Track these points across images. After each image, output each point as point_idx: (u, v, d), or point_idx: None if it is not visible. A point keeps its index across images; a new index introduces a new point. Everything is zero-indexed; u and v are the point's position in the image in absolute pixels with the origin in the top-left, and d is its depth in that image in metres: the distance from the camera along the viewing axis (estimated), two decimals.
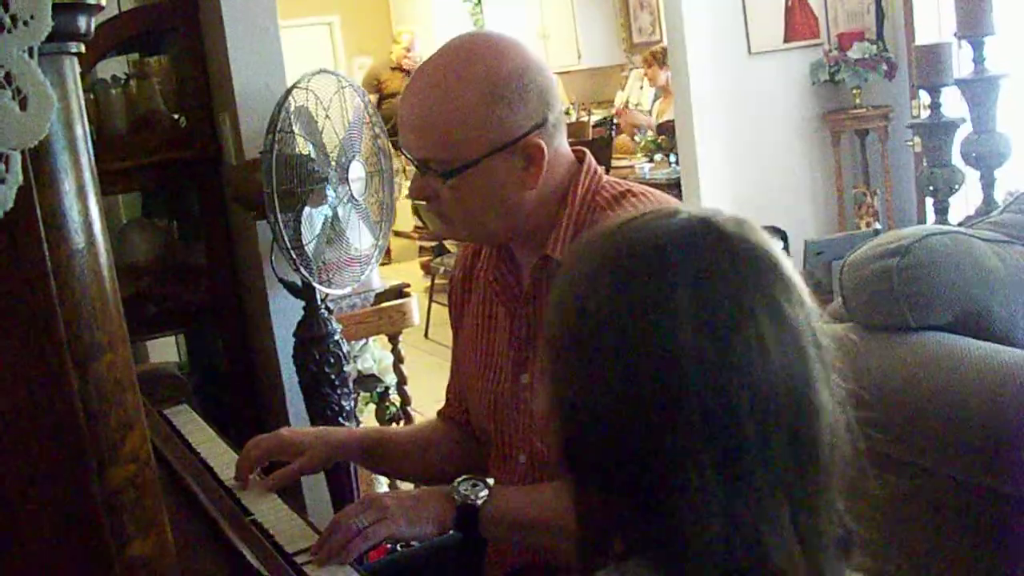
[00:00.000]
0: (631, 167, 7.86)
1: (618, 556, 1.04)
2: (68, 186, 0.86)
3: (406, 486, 3.87)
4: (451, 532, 1.74)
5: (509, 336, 1.90)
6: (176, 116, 3.49)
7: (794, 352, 0.99)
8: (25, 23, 0.75)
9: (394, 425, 4.18)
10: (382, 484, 4.12)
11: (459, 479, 1.74)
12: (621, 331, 0.98)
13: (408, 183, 1.89)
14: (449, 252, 8.20)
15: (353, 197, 2.90)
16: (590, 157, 1.88)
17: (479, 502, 1.69)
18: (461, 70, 1.72)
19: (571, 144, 1.89)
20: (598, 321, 1.00)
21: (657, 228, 1.03)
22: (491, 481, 1.75)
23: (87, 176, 0.89)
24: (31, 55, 0.76)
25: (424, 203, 1.85)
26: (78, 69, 0.91)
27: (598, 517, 1.06)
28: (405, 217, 10.21)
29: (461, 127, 1.71)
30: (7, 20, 0.74)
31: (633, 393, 0.97)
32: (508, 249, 1.92)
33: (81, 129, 0.89)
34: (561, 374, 1.04)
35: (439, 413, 2.16)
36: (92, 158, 0.90)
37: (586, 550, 1.08)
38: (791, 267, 1.04)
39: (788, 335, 0.99)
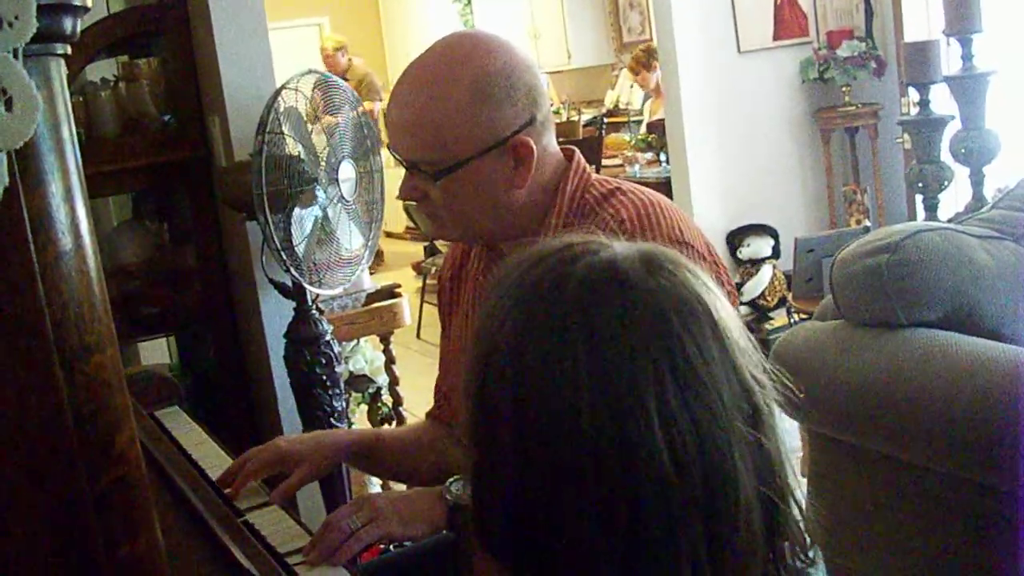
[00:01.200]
0: (621, 166, 7.86)
1: None
2: (55, 188, 0.86)
3: (398, 487, 3.87)
4: (443, 532, 1.74)
5: None
6: (166, 118, 3.48)
7: (707, 422, 0.88)
8: (10, 24, 0.74)
9: (386, 426, 4.18)
10: (374, 485, 4.12)
11: (451, 479, 1.73)
12: (521, 384, 0.90)
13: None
14: (440, 252, 8.20)
15: (343, 197, 2.90)
16: (579, 155, 1.88)
17: (469, 502, 1.69)
18: (449, 70, 1.72)
19: (560, 143, 1.89)
20: (503, 367, 0.92)
21: (559, 273, 0.93)
22: None
23: (74, 178, 0.89)
24: (16, 56, 0.76)
25: (413, 204, 1.85)
26: (64, 70, 0.90)
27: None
28: (398, 218, 10.22)
29: (451, 128, 1.70)
30: None
31: (530, 455, 0.89)
32: (498, 249, 1.92)
33: (68, 131, 0.89)
34: (471, 424, 0.96)
35: (428, 415, 2.16)
36: (79, 160, 0.90)
37: None
38: (716, 309, 0.93)
39: (699, 400, 0.88)
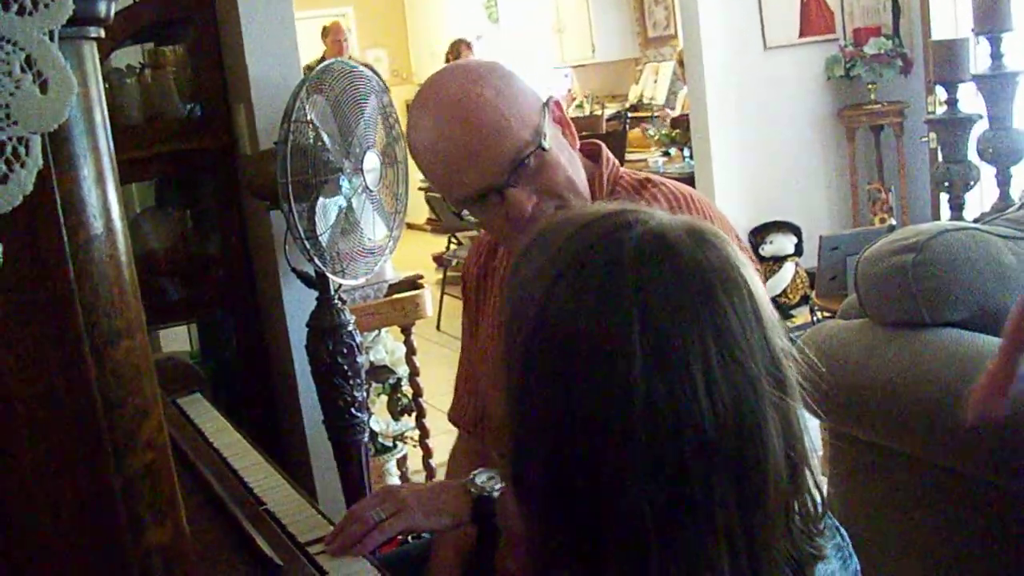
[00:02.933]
0: (644, 161, 7.85)
1: None
2: (87, 171, 0.85)
3: (419, 478, 3.87)
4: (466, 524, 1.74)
5: None
6: (191, 106, 3.49)
7: (745, 383, 0.95)
8: (46, 5, 0.74)
9: (404, 418, 4.18)
10: (394, 476, 4.12)
11: (475, 472, 1.73)
12: (574, 347, 0.94)
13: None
14: (463, 244, 8.21)
15: (368, 188, 2.90)
16: (605, 149, 1.89)
17: (496, 494, 1.69)
18: (472, 83, 1.69)
19: (583, 137, 1.89)
20: (554, 333, 0.96)
21: (610, 241, 0.98)
22: None
23: (106, 161, 0.88)
24: (51, 38, 0.76)
25: (535, 206, 1.72)
26: (97, 54, 0.90)
27: (540, 541, 1.01)
28: (420, 209, 10.22)
29: (510, 106, 1.68)
30: (28, 2, 0.74)
31: (576, 412, 0.93)
32: None
33: (100, 114, 0.89)
34: (511, 376, 1.00)
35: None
36: (111, 144, 0.90)
37: (532, 562, 1.03)
38: (752, 283, 0.99)
39: (738, 366, 0.94)
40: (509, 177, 1.68)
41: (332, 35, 8.97)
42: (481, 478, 1.71)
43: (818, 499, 1.05)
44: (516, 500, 1.03)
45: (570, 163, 1.76)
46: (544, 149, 1.69)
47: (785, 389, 0.99)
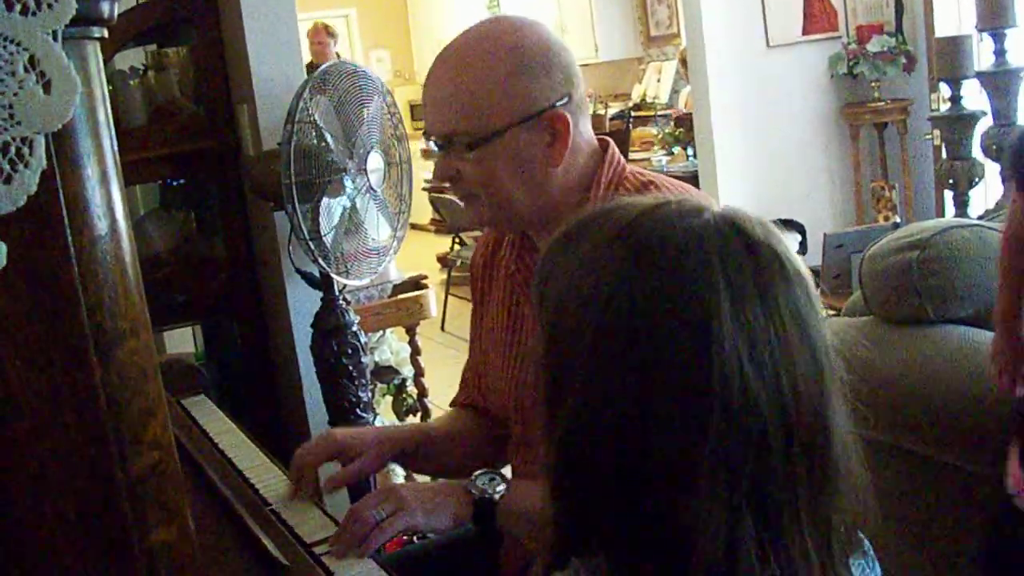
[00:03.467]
0: (648, 160, 7.84)
1: (583, 552, 1.01)
2: (91, 171, 0.85)
3: (423, 479, 3.86)
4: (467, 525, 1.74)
5: (534, 326, 1.88)
6: (194, 107, 3.49)
7: (813, 364, 0.97)
8: (49, 5, 0.74)
9: (409, 419, 4.19)
10: (398, 475, 4.12)
11: (477, 473, 1.73)
12: (660, 337, 0.94)
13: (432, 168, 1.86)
14: (467, 245, 8.20)
15: (371, 188, 2.90)
16: (613, 146, 1.87)
17: (496, 496, 1.68)
18: (486, 45, 1.72)
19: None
20: (632, 325, 0.95)
21: (688, 224, 0.98)
22: (508, 475, 1.74)
23: (110, 162, 0.88)
24: (55, 38, 0.76)
25: (448, 185, 1.82)
26: (100, 55, 0.90)
27: (581, 514, 1.01)
28: (423, 210, 10.21)
29: (487, 97, 1.69)
30: (31, 3, 0.74)
31: (666, 402, 0.93)
32: (531, 240, 1.90)
33: (104, 115, 0.89)
34: (570, 377, 0.99)
35: (452, 403, 2.16)
36: (115, 144, 0.90)
37: (557, 545, 1.04)
38: (809, 275, 1.02)
39: (807, 344, 0.96)
40: (441, 141, 1.76)
41: (312, 38, 8.84)
42: (482, 480, 1.71)
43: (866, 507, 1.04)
44: (559, 492, 1.03)
45: (513, 175, 1.73)
46: (469, 149, 1.72)
47: (836, 376, 1.01)
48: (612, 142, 1.88)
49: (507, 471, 1.97)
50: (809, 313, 0.98)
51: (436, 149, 1.79)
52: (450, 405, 2.16)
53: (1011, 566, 1.97)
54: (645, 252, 0.97)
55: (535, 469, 1.90)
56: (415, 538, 2.53)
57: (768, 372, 0.93)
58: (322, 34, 8.85)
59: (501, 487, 1.69)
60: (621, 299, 0.96)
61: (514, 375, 1.92)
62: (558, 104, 1.72)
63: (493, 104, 1.69)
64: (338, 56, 8.36)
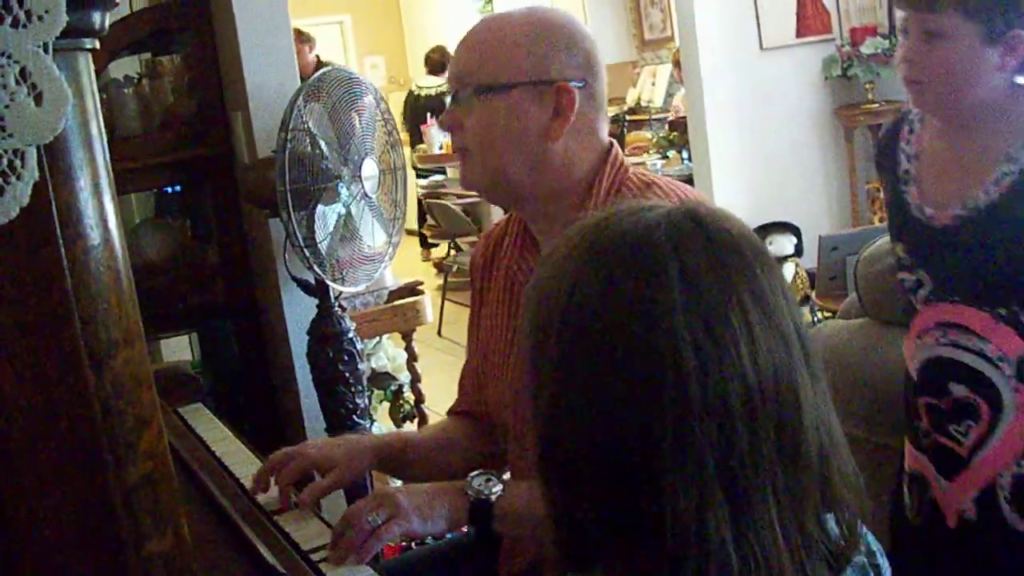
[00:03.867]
0: (643, 163, 7.84)
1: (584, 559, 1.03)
2: (83, 182, 0.86)
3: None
4: (464, 528, 1.73)
5: None
6: (189, 115, 3.49)
7: (779, 343, 0.98)
8: (40, 18, 0.74)
9: (407, 425, 4.19)
10: (396, 482, 4.12)
11: (473, 474, 1.73)
12: (613, 324, 0.97)
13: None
14: (463, 251, 8.20)
15: (366, 195, 2.90)
16: (617, 147, 1.89)
17: (493, 497, 1.68)
18: (522, 12, 1.82)
19: None
20: (587, 315, 0.99)
21: (642, 221, 1.01)
22: (506, 476, 1.74)
23: (102, 172, 0.89)
24: (46, 50, 0.76)
25: (450, 134, 1.89)
26: (92, 66, 0.90)
27: (575, 518, 1.03)
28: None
29: (504, 48, 1.77)
30: (22, 15, 0.74)
31: (624, 387, 0.96)
32: (533, 238, 1.92)
33: (96, 126, 0.89)
34: (545, 370, 1.02)
35: (450, 411, 2.15)
36: (107, 154, 0.90)
37: (563, 552, 1.06)
38: (773, 258, 1.04)
39: (773, 327, 0.98)
40: (455, 86, 1.84)
41: None
42: (478, 481, 1.71)
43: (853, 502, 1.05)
44: (547, 485, 1.05)
45: (509, 136, 1.78)
46: (476, 95, 1.78)
47: (813, 365, 1.02)
48: (615, 143, 1.90)
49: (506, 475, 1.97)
50: (776, 298, 1.00)
51: (450, 99, 1.86)
52: (447, 413, 2.16)
53: None
54: (602, 245, 1.01)
55: (533, 472, 1.90)
56: (413, 543, 2.53)
57: (729, 353, 0.95)
58: (294, 41, 8.68)
59: (497, 488, 1.69)
60: (580, 289, 0.99)
61: (511, 374, 1.93)
62: (571, 82, 1.77)
63: (509, 58, 1.76)
64: (318, 59, 8.23)
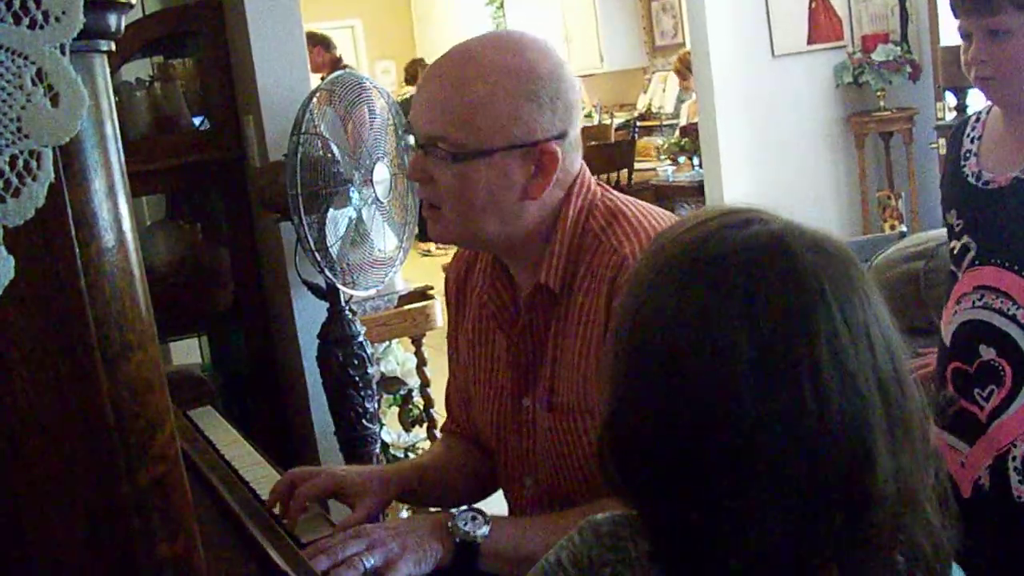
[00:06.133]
0: (653, 170, 7.84)
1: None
2: (98, 184, 0.85)
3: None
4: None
5: (508, 359, 1.82)
6: (200, 118, 3.50)
7: (855, 401, 0.91)
8: (57, 19, 0.74)
9: (415, 430, 4.18)
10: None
11: (458, 512, 1.65)
12: (676, 345, 0.93)
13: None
14: None
15: (377, 199, 2.90)
16: (584, 170, 1.79)
17: (479, 540, 1.61)
18: (501, 59, 1.65)
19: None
20: (655, 330, 0.95)
21: (723, 238, 0.96)
22: (491, 513, 1.68)
23: (117, 175, 0.88)
24: (63, 52, 0.76)
25: (418, 184, 1.77)
26: (108, 68, 0.90)
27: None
28: None
29: (487, 113, 1.63)
30: (39, 16, 0.74)
31: (677, 407, 0.93)
32: (505, 269, 1.83)
33: (111, 128, 0.89)
34: (616, 377, 0.99)
35: (443, 429, 2.11)
36: (122, 157, 0.90)
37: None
38: (868, 285, 0.98)
39: (851, 382, 0.91)
40: (424, 141, 1.69)
41: None
42: (463, 519, 1.63)
43: (940, 546, 1.00)
44: (610, 481, 1.02)
45: (487, 198, 1.67)
46: (452, 159, 1.65)
47: (902, 415, 0.95)
48: (584, 164, 1.79)
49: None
50: (854, 344, 0.93)
51: (415, 146, 1.73)
52: (440, 430, 2.12)
53: None
54: (672, 267, 0.97)
55: (522, 504, 1.87)
56: None
57: (789, 397, 0.90)
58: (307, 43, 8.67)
59: (483, 529, 1.62)
60: (648, 314, 0.97)
61: (489, 401, 1.88)
62: (553, 139, 1.67)
63: (490, 123, 1.63)
64: (340, 61, 8.22)
